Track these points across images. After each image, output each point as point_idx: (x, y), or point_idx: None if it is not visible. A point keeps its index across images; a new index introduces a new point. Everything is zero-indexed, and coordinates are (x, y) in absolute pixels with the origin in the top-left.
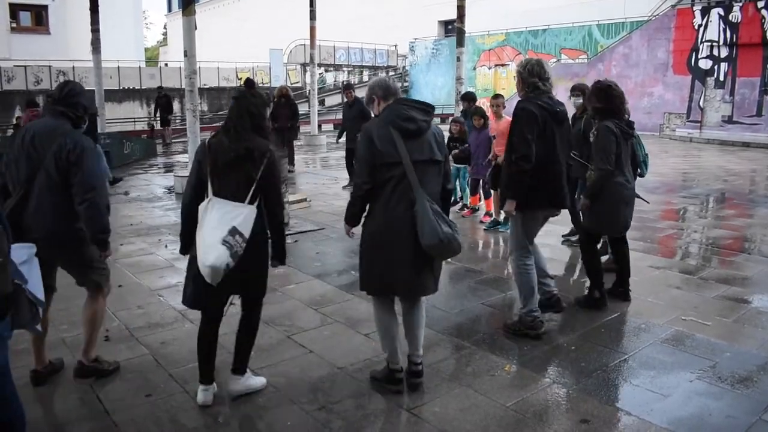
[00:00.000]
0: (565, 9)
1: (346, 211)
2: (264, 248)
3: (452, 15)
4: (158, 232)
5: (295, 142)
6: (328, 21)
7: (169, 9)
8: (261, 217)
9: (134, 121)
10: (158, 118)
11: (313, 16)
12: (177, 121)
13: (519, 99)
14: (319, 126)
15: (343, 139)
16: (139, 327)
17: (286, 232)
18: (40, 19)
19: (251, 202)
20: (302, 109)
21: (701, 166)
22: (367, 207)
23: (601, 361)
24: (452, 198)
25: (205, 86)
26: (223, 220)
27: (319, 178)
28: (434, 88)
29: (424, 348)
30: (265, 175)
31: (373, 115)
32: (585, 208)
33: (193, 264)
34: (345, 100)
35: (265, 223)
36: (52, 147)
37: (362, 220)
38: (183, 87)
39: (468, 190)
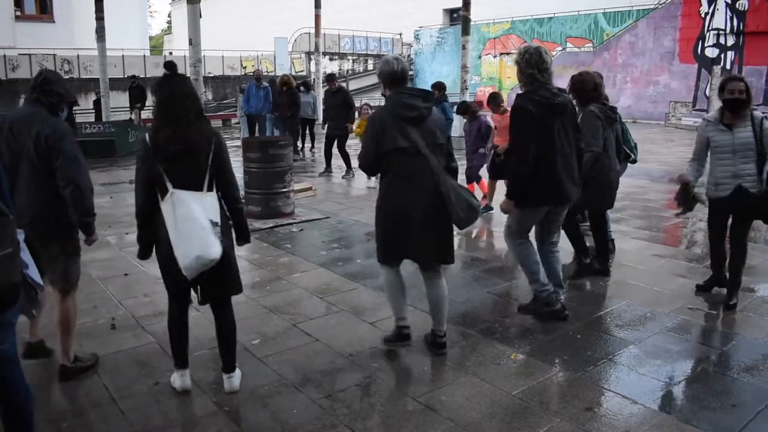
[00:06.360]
0: None
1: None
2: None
3: (457, 3)
4: None
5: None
6: (333, 9)
7: None
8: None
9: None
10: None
11: (318, 4)
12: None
13: (517, 93)
14: None
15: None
16: (146, 315)
17: (293, 221)
18: (44, 7)
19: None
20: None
21: None
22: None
23: (607, 349)
24: None
25: (210, 75)
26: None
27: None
28: (439, 77)
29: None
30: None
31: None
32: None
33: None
34: (329, 89)
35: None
36: (31, 134)
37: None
38: (188, 75)
39: None
